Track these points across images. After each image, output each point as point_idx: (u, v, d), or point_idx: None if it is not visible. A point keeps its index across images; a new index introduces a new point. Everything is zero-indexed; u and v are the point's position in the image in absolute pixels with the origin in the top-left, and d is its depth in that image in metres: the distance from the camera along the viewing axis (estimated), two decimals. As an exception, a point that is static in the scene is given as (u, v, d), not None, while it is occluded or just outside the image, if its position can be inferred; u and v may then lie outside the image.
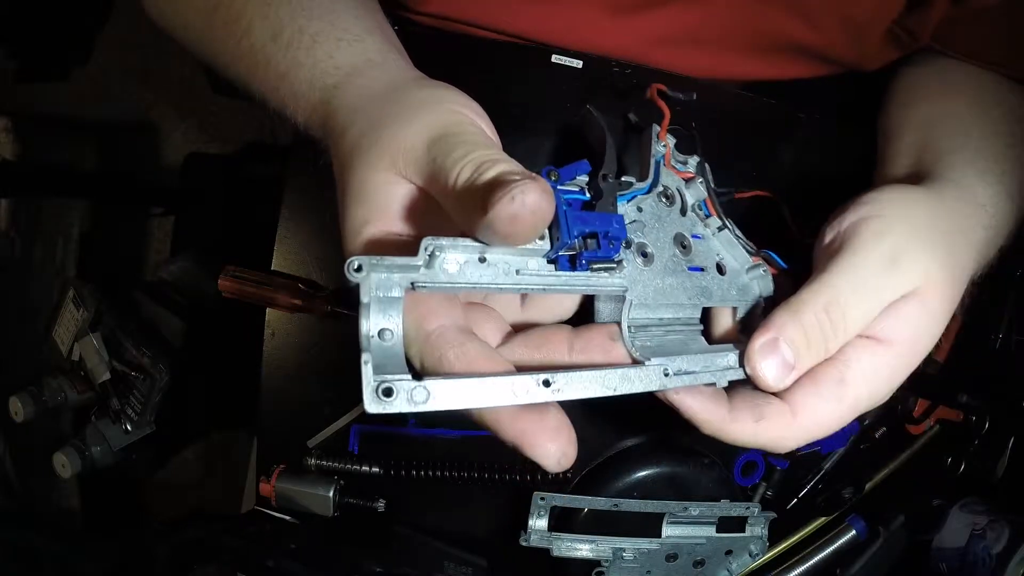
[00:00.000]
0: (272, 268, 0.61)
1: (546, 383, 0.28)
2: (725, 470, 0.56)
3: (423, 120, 0.33)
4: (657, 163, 0.36)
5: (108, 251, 1.50)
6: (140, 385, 0.77)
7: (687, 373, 0.33)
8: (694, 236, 0.37)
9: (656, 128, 0.37)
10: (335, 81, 0.39)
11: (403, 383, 0.26)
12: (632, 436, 0.57)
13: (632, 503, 0.52)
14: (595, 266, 0.31)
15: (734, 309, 0.39)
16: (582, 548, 0.53)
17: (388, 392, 0.26)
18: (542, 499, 0.52)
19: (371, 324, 0.28)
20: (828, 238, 0.38)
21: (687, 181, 0.38)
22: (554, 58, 0.56)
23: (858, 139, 0.52)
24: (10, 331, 1.27)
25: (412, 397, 0.26)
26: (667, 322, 0.36)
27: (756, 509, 0.54)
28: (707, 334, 0.38)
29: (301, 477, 0.58)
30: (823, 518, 0.61)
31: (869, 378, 0.35)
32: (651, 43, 0.55)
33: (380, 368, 0.26)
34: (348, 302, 0.59)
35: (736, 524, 0.54)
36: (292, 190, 0.60)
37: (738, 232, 0.38)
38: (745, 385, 0.35)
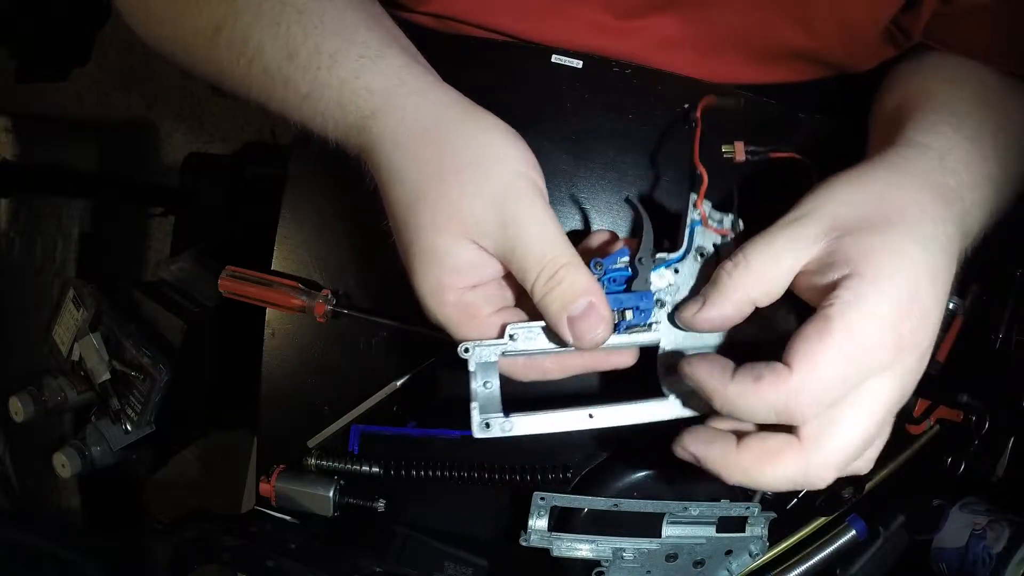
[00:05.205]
0: (272, 268, 0.61)
1: (591, 416, 0.40)
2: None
3: (488, 189, 0.37)
4: (691, 230, 0.41)
5: (108, 251, 1.50)
6: (140, 385, 0.77)
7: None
8: None
9: (693, 197, 0.41)
10: (371, 108, 0.39)
11: (496, 419, 0.39)
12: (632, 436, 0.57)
13: (632, 503, 0.52)
14: (630, 332, 0.41)
15: None
16: (582, 548, 0.53)
17: (488, 425, 0.39)
18: (542, 499, 0.52)
19: (478, 381, 0.40)
20: (833, 273, 0.35)
21: (723, 237, 0.42)
22: (554, 58, 0.56)
23: (858, 139, 0.52)
24: (10, 331, 1.27)
25: (503, 428, 0.39)
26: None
27: (756, 509, 0.54)
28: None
29: (301, 477, 0.58)
30: (823, 518, 0.60)
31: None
32: (652, 47, 0.55)
33: (484, 408, 0.39)
34: (348, 303, 0.59)
35: (736, 524, 0.54)
36: (292, 190, 0.60)
37: None
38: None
